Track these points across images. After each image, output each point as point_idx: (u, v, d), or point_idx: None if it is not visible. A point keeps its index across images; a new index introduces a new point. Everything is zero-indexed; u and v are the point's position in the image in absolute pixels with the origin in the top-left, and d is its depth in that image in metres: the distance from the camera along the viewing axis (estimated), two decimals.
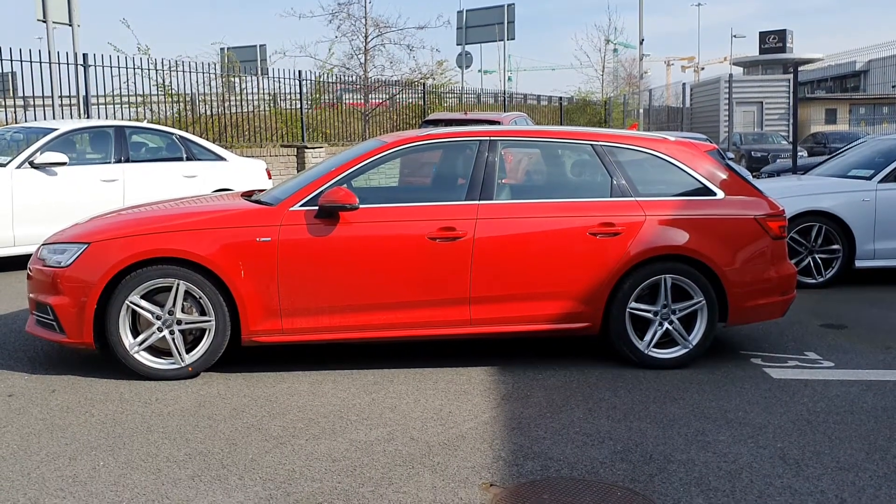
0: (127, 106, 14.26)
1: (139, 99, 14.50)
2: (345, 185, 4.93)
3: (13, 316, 6.35)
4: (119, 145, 9.20)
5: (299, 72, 16.71)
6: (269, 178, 10.57)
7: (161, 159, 9.64)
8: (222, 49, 20.25)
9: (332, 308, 4.80)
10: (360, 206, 4.81)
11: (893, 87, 35.45)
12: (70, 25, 13.41)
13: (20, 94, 12.78)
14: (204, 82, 15.11)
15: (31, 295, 4.96)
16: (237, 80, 16.58)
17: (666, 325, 5.03)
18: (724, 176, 5.27)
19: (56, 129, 8.80)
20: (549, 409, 4.32)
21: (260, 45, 25.29)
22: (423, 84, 20.94)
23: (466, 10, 25.26)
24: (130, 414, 4.21)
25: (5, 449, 3.76)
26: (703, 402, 4.45)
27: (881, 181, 7.78)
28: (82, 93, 12.99)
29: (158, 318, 4.69)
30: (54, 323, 4.74)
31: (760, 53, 47.47)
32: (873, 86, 48.77)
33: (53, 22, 13.01)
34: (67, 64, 12.76)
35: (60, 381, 4.74)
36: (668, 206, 5.06)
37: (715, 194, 5.18)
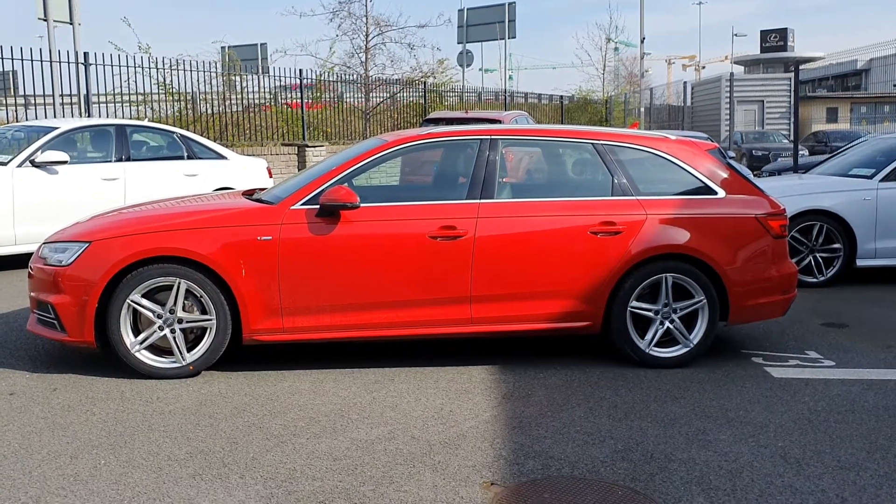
0: (128, 105, 14.27)
1: (140, 98, 14.50)
2: (346, 184, 4.93)
3: (14, 314, 6.36)
4: (120, 144, 9.20)
5: (300, 70, 16.73)
6: (270, 176, 10.57)
7: (162, 158, 9.64)
8: (223, 48, 20.28)
9: (333, 307, 4.80)
10: (361, 204, 4.81)
11: (895, 85, 35.41)
12: (71, 24, 13.41)
13: (21, 92, 12.77)
14: (205, 81, 15.13)
15: (32, 293, 4.96)
16: (238, 78, 16.58)
17: (667, 323, 5.03)
18: (725, 175, 5.27)
19: (57, 128, 8.81)
20: (550, 407, 4.32)
21: (261, 44, 25.31)
22: (424, 83, 20.94)
23: (467, 9, 25.25)
24: (132, 412, 4.22)
25: (7, 447, 3.76)
26: (704, 401, 4.45)
27: (882, 180, 7.78)
28: (83, 91, 13.00)
29: (159, 316, 4.69)
30: (55, 321, 4.75)
31: (761, 52, 47.41)
32: (874, 84, 48.74)
33: (54, 20, 13.01)
34: (68, 63, 12.77)
35: (62, 380, 4.74)
36: (669, 205, 5.06)
37: (716, 193, 5.18)
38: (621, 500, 3.28)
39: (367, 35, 21.60)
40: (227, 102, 15.57)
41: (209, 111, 15.25)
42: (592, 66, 39.27)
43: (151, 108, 14.78)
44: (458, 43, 25.01)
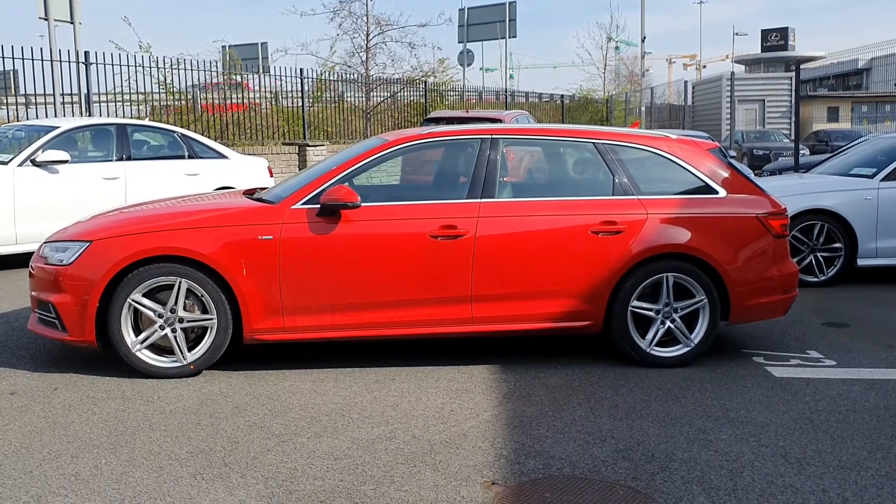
0: (128, 104, 14.27)
1: (141, 97, 14.51)
2: (346, 184, 4.93)
3: (15, 314, 6.36)
4: (121, 143, 9.20)
5: (301, 70, 16.73)
6: (271, 176, 10.57)
7: (163, 157, 9.64)
8: (224, 47, 20.28)
9: (333, 306, 4.80)
10: (362, 204, 4.81)
11: (895, 85, 35.38)
12: (72, 23, 13.42)
13: (22, 91, 12.77)
14: (206, 80, 15.12)
15: (33, 293, 4.97)
16: (239, 77, 16.58)
17: (668, 323, 5.02)
18: (725, 174, 5.27)
19: (58, 127, 8.81)
20: (551, 407, 4.32)
21: (262, 43, 25.30)
22: (425, 82, 20.93)
23: (468, 8, 25.24)
24: (132, 412, 4.22)
25: (8, 447, 3.76)
26: (705, 400, 4.45)
27: (883, 179, 7.77)
28: (84, 91, 13.00)
29: (160, 316, 4.69)
30: (56, 321, 4.75)
31: (762, 51, 47.40)
32: (875, 84, 48.69)
33: (55, 20, 13.01)
34: (69, 62, 12.77)
35: (62, 379, 4.74)
36: (670, 205, 5.06)
37: (717, 193, 5.17)
38: (622, 499, 3.28)
39: (367, 34, 21.60)
40: (228, 102, 15.57)
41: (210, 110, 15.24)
42: (593, 66, 39.25)
43: (152, 107, 14.78)
44: (459, 42, 25.01)
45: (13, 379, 4.76)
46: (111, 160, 9.10)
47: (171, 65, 14.58)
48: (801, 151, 15.97)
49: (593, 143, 5.25)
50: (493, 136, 5.17)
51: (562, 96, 30.11)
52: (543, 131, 5.60)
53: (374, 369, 4.95)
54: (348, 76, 19.77)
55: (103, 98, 13.44)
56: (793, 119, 24.69)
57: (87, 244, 4.73)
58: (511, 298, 4.90)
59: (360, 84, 19.83)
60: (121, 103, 13.90)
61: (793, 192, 7.74)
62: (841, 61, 52.84)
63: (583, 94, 33.69)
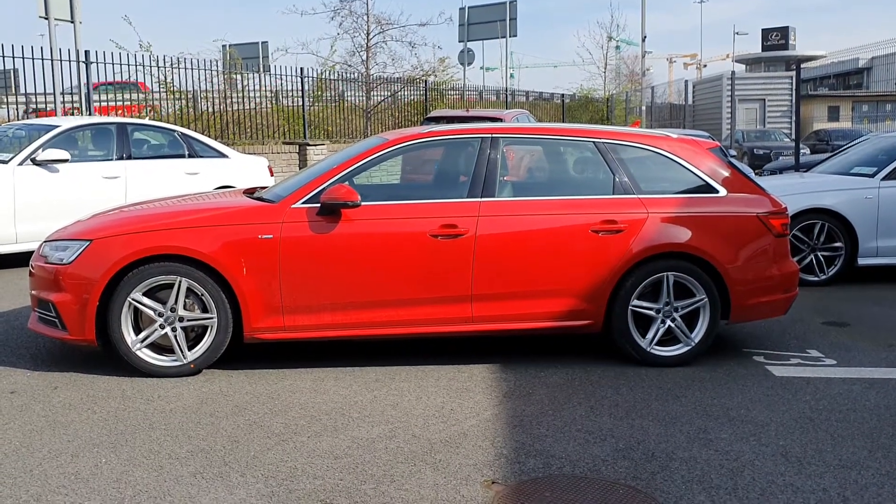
0: (129, 103, 14.26)
1: (141, 96, 14.50)
2: (347, 183, 4.92)
3: (15, 313, 6.36)
4: (121, 142, 9.20)
5: (301, 69, 16.72)
6: (271, 175, 10.57)
7: (163, 156, 9.64)
8: (224, 46, 20.27)
9: (333, 305, 4.80)
10: (362, 203, 4.81)
11: None
12: (72, 22, 13.41)
13: (22, 90, 12.77)
14: (206, 79, 15.13)
15: (33, 292, 4.97)
16: (239, 77, 16.58)
17: (668, 322, 5.02)
18: (726, 173, 5.26)
19: (58, 126, 8.81)
20: (551, 406, 4.32)
21: (262, 42, 25.28)
22: (425, 81, 20.92)
23: (468, 7, 25.23)
24: (133, 411, 4.22)
25: (8, 446, 3.76)
26: (706, 399, 4.45)
27: (884, 179, 7.77)
28: (84, 90, 12.99)
29: (160, 315, 4.69)
30: (56, 320, 4.75)
31: (763, 51, 47.38)
32: (876, 83, 48.70)
33: (55, 19, 13.00)
34: (69, 61, 12.77)
35: (63, 378, 4.74)
36: (671, 204, 5.06)
37: (717, 192, 5.17)
38: (622, 498, 3.27)
39: (368, 33, 21.59)
40: (228, 101, 15.57)
41: (210, 109, 15.25)
42: (594, 65, 39.23)
43: (152, 107, 14.78)
44: (460, 41, 24.99)
45: (13, 378, 4.76)
46: (111, 159, 9.10)
47: (172, 64, 14.58)
48: (802, 151, 15.97)
49: (594, 142, 5.24)
50: (494, 136, 5.17)
51: (562, 95, 30.11)
52: (544, 130, 5.60)
53: (375, 368, 4.95)
54: (349, 75, 19.77)
55: (103, 97, 13.44)
56: (793, 118, 24.65)
57: (88, 243, 4.73)
58: (511, 298, 4.90)
59: (360, 83, 19.83)
60: (121, 103, 13.90)
61: (793, 192, 7.74)
62: (841, 60, 52.84)
63: (583, 93, 33.68)
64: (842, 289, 7.51)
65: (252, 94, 16.35)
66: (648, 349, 5.01)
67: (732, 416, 4.18)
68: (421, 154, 5.69)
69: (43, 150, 8.42)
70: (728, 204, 5.13)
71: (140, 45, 14.99)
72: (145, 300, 4.68)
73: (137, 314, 4.73)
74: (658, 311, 5.01)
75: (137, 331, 4.73)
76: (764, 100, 33.46)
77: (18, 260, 8.37)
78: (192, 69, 14.75)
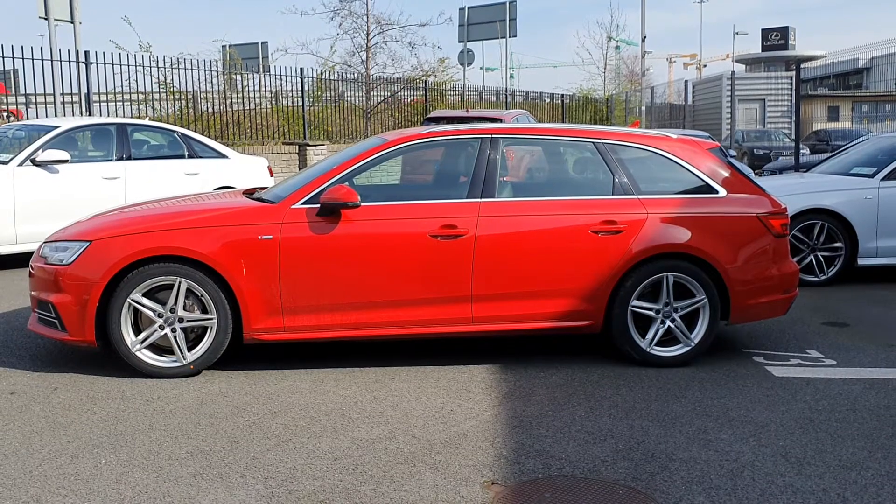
0: (128, 103, 14.27)
1: (141, 96, 14.51)
2: (346, 183, 4.92)
3: (15, 314, 6.36)
4: (121, 143, 9.20)
5: (301, 69, 16.72)
6: (271, 175, 10.57)
7: (163, 157, 9.64)
8: (224, 46, 20.27)
9: (333, 306, 4.80)
10: (362, 203, 4.81)
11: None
12: (72, 23, 13.42)
13: (22, 91, 12.78)
14: (205, 80, 15.13)
15: (32, 293, 4.96)
16: (239, 77, 16.58)
17: (668, 323, 5.02)
18: (726, 174, 5.26)
19: (58, 127, 8.81)
20: (551, 407, 4.32)
21: (262, 43, 25.30)
22: (425, 81, 20.93)
23: (468, 7, 25.25)
24: (132, 412, 4.22)
25: (7, 446, 3.76)
26: (705, 400, 4.45)
27: (884, 179, 7.77)
28: (84, 90, 13.00)
29: (160, 315, 4.69)
30: (56, 321, 4.75)
31: (763, 50, 47.39)
32: (876, 83, 48.70)
33: (55, 19, 13.01)
34: (69, 61, 12.77)
35: (62, 379, 4.74)
36: (671, 204, 5.06)
37: (717, 192, 5.17)
38: (622, 499, 3.27)
39: (368, 34, 21.59)
40: (228, 101, 15.57)
41: (210, 110, 15.25)
42: (593, 65, 39.32)
43: (152, 107, 14.78)
44: (459, 42, 25.01)
45: (13, 378, 4.76)
46: (111, 160, 9.10)
47: (172, 64, 14.58)
48: (802, 151, 15.97)
49: (593, 142, 5.24)
50: (494, 136, 5.17)
51: (562, 96, 30.11)
52: (543, 131, 5.60)
53: (374, 369, 4.95)
54: (348, 76, 19.77)
55: (103, 98, 13.45)
56: (793, 118, 24.67)
57: (87, 244, 4.73)
58: (511, 298, 4.90)
59: (360, 83, 19.83)
60: (121, 103, 13.91)
61: (793, 192, 7.74)
62: (841, 60, 52.84)
63: (583, 93, 33.69)
64: (842, 289, 7.51)
65: (252, 95, 16.35)
66: (648, 350, 5.01)
67: (732, 417, 4.18)
68: (421, 154, 5.69)
69: (43, 151, 8.42)
70: (728, 204, 5.13)
71: (140, 46, 15.01)
72: (145, 301, 4.68)
73: (137, 315, 4.73)
74: (658, 312, 5.01)
75: (137, 332, 4.73)
76: (764, 100, 33.48)
77: (18, 261, 8.37)
78: (191, 69, 14.75)
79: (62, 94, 12.71)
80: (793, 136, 21.69)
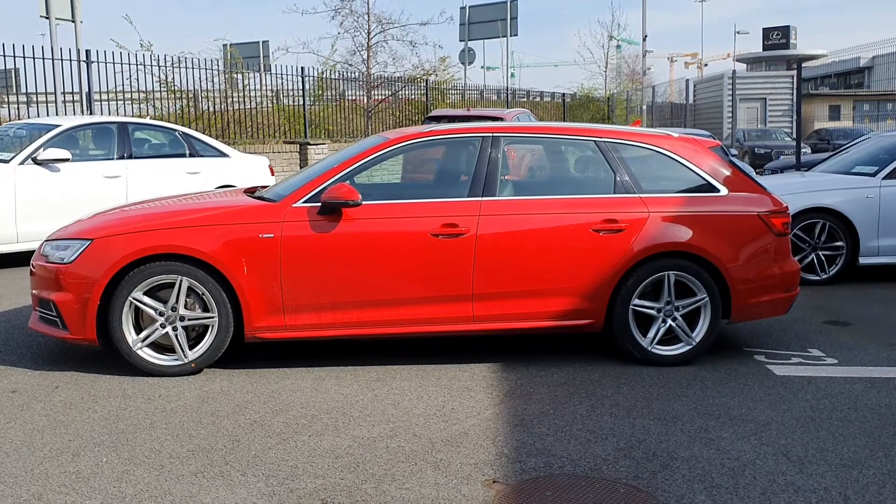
0: (129, 102, 14.27)
1: (142, 95, 14.51)
2: (347, 182, 4.92)
3: (16, 312, 6.36)
4: (122, 142, 9.20)
5: (302, 68, 16.72)
6: (272, 174, 10.57)
7: (164, 156, 9.64)
8: (225, 45, 20.26)
9: (334, 304, 4.80)
10: (363, 202, 4.81)
11: None
12: (73, 22, 13.42)
13: (23, 90, 12.78)
14: (206, 79, 15.13)
15: (34, 291, 4.97)
16: (240, 76, 16.58)
17: (669, 321, 5.02)
18: (727, 172, 5.26)
19: (59, 126, 8.81)
20: (552, 405, 4.32)
21: (262, 42, 25.28)
22: (426, 80, 20.92)
23: (469, 7, 25.23)
24: (134, 410, 4.22)
25: (9, 445, 3.76)
26: (707, 398, 4.45)
27: (885, 178, 7.76)
28: (85, 89, 13.00)
29: (161, 314, 4.69)
30: (57, 319, 4.75)
31: (764, 50, 47.35)
32: (877, 82, 48.63)
33: (56, 18, 13.01)
34: (70, 60, 12.78)
35: (63, 378, 4.74)
36: (672, 203, 5.05)
37: (718, 191, 5.17)
38: (623, 497, 3.27)
39: (369, 32, 21.58)
40: (229, 100, 15.57)
41: (211, 109, 15.25)
42: (595, 64, 39.35)
43: (153, 106, 14.79)
44: (460, 40, 24.99)
45: (14, 377, 4.76)
46: (112, 158, 9.10)
47: (173, 63, 14.58)
48: (803, 150, 15.96)
49: (595, 141, 5.24)
50: (495, 135, 5.17)
51: (563, 95, 30.11)
52: (545, 129, 5.60)
53: (376, 367, 4.95)
54: (349, 74, 19.77)
55: (104, 96, 13.45)
56: (794, 117, 24.65)
57: (88, 242, 4.73)
58: (512, 297, 4.90)
59: (361, 82, 19.82)
60: (122, 102, 13.91)
61: (794, 191, 7.73)
62: (843, 59, 52.77)
63: (584, 92, 33.68)
64: (843, 288, 7.50)
65: (253, 94, 16.35)
66: (649, 348, 5.01)
67: (733, 416, 4.18)
68: (422, 153, 5.70)
69: (44, 150, 8.42)
70: (729, 203, 5.13)
71: (141, 45, 15.01)
72: (146, 299, 4.68)
73: (138, 313, 4.73)
74: (659, 311, 5.01)
75: (138, 330, 4.73)
76: (765, 99, 33.45)
77: (19, 259, 8.37)
78: (192, 68, 14.75)
79: (63, 93, 12.71)
80: (794, 136, 21.67)
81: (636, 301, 4.98)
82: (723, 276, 5.00)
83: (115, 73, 13.26)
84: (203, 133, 11.90)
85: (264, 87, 16.74)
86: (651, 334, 5.01)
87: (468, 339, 5.40)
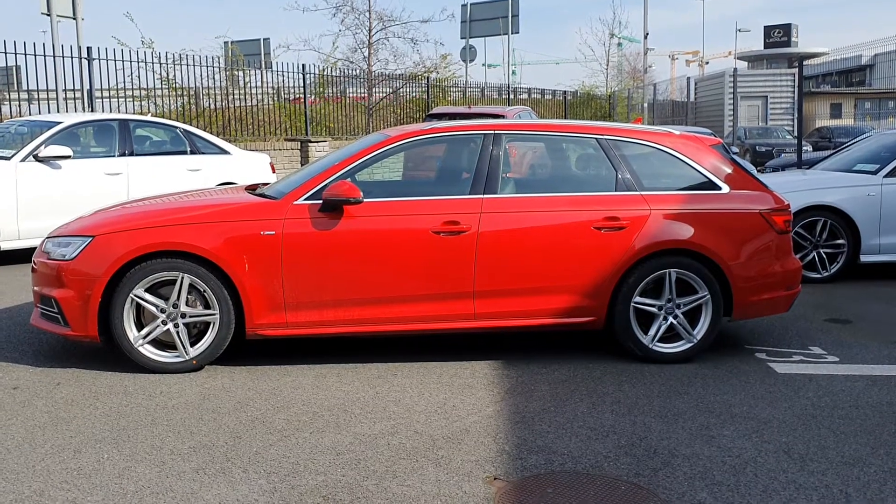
0: (131, 99, 14.28)
1: (143, 92, 14.52)
2: (349, 179, 4.92)
3: (18, 309, 6.37)
4: (123, 139, 9.20)
5: (303, 65, 16.71)
6: (273, 171, 10.57)
7: (165, 153, 9.64)
8: (226, 42, 20.26)
9: (336, 302, 4.80)
10: (364, 199, 4.81)
11: None
12: (74, 19, 13.42)
13: (24, 87, 12.79)
14: (208, 76, 15.13)
15: (35, 288, 4.97)
16: (241, 73, 16.57)
17: (670, 319, 5.02)
18: (728, 170, 5.25)
19: (60, 123, 8.81)
20: (554, 402, 4.32)
21: (264, 39, 25.25)
22: (427, 78, 20.91)
23: (470, 4, 25.18)
24: (135, 407, 4.22)
25: (10, 441, 3.77)
26: (708, 396, 4.45)
27: (886, 176, 7.76)
28: (86, 86, 13.01)
29: (163, 311, 4.70)
30: (59, 316, 4.75)
31: (765, 48, 47.31)
32: (879, 80, 48.58)
33: (57, 15, 13.02)
34: (71, 57, 12.78)
35: (65, 374, 4.75)
36: (673, 201, 5.05)
37: (720, 188, 5.16)
38: (624, 495, 3.27)
39: (370, 30, 21.53)
40: (230, 97, 15.57)
41: (212, 106, 15.25)
42: (596, 62, 39.24)
43: (154, 103, 14.79)
44: (462, 38, 24.96)
45: (16, 374, 4.76)
46: (114, 155, 9.10)
47: (174, 60, 14.58)
48: (804, 148, 15.95)
49: (596, 138, 5.24)
50: (496, 132, 5.17)
51: (564, 92, 30.08)
52: (546, 127, 5.60)
53: (377, 364, 4.95)
54: (350, 72, 19.76)
55: (105, 93, 13.45)
56: (796, 115, 24.63)
57: (90, 239, 4.73)
58: (513, 294, 4.90)
59: (362, 80, 19.81)
60: (123, 99, 13.91)
61: (796, 189, 7.73)
62: (844, 57, 52.72)
63: (585, 90, 33.63)
64: (844, 286, 7.50)
65: (254, 91, 16.35)
66: (651, 346, 5.01)
67: (735, 413, 4.18)
68: (423, 151, 5.69)
69: (45, 147, 8.42)
70: (730, 201, 5.12)
71: (142, 42, 15.01)
72: (148, 296, 4.68)
73: (140, 310, 4.73)
74: (660, 308, 5.01)
75: (140, 327, 4.73)
76: (766, 97, 33.43)
77: (21, 256, 8.38)
78: (194, 66, 14.75)
79: (64, 90, 12.72)
80: (795, 133, 21.66)
81: (637, 298, 4.98)
82: (724, 273, 5.00)
83: (116, 70, 13.28)
84: (204, 130, 11.90)
85: (265, 85, 16.73)
86: (652, 332, 5.01)
87: (469, 336, 5.40)
